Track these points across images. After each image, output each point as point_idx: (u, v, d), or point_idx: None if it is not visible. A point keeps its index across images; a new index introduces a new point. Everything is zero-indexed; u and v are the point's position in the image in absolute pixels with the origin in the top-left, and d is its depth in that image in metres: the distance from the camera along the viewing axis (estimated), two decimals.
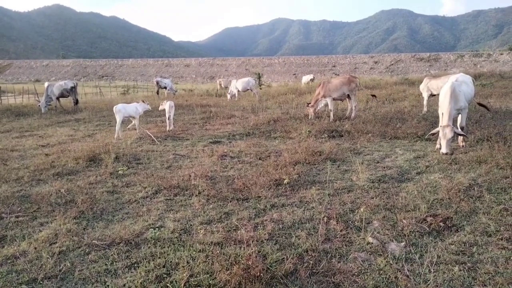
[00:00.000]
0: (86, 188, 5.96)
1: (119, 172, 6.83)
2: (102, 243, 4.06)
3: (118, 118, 10.53)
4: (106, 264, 3.65)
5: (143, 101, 11.55)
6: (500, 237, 3.83)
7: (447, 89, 7.45)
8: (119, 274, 3.47)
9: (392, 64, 58.63)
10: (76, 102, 17.55)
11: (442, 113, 7.37)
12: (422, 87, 12.89)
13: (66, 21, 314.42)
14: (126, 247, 3.99)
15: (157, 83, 27.44)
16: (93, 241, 4.11)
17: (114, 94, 31.33)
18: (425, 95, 12.58)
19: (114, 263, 3.67)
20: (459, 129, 7.26)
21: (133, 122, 11.42)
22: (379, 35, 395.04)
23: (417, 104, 13.67)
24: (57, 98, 17.48)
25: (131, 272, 3.50)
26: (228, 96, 20.78)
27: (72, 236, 4.24)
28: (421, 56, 60.68)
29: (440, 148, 7.26)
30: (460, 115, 7.69)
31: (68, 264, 3.66)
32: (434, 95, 12.10)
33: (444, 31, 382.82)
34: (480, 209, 4.53)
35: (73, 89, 17.41)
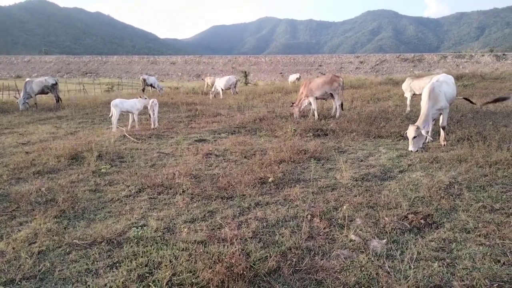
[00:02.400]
0: (68, 187, 5.85)
1: (102, 170, 6.73)
2: (83, 242, 4.00)
3: (115, 113, 10.67)
4: (87, 264, 3.59)
5: (140, 97, 11.50)
6: (478, 233, 3.92)
7: (426, 89, 7.62)
8: (100, 274, 3.42)
9: (377, 64, 59.33)
10: (58, 99, 17.19)
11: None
12: (404, 87, 13.08)
13: (49, 16, 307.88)
14: (108, 247, 3.93)
15: (144, 80, 27.16)
16: (74, 241, 4.04)
17: (98, 91, 30.84)
18: (408, 95, 12.77)
19: (95, 262, 3.61)
20: (425, 130, 7.31)
21: (131, 119, 11.34)
22: (365, 36, 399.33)
23: (401, 103, 13.86)
24: (36, 95, 17.09)
25: (113, 271, 3.46)
26: (211, 95, 20.73)
27: (52, 236, 4.16)
28: (406, 56, 61.55)
29: (420, 147, 7.43)
30: (441, 115, 7.85)
31: (48, 264, 3.59)
32: (417, 94, 12.29)
33: (428, 32, 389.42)
34: (460, 207, 4.62)
35: (54, 86, 17.04)
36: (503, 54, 59.85)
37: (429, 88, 7.59)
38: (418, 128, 7.12)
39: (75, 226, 4.48)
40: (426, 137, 7.40)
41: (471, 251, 3.57)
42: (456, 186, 5.29)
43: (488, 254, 3.49)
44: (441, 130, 7.90)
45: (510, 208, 4.51)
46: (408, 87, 12.74)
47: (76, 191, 5.70)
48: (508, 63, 52.24)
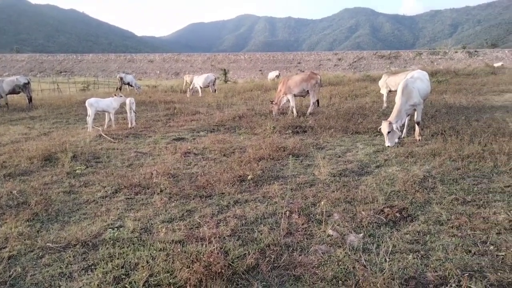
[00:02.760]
0: (41, 189, 5.68)
1: (77, 171, 6.56)
2: (56, 245, 3.89)
3: (90, 112, 10.45)
4: (60, 268, 3.50)
5: (115, 95, 11.26)
6: (451, 225, 4.03)
7: (400, 86, 7.80)
8: (74, 277, 3.34)
9: (355, 61, 60.21)
10: (30, 99, 16.63)
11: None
12: (381, 83, 13.31)
13: (20, 14, 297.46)
14: (82, 249, 3.84)
15: (121, 79, 26.66)
16: (47, 244, 3.93)
17: (73, 90, 30.06)
18: (384, 91, 13.00)
19: (70, 266, 3.53)
20: (397, 125, 7.46)
21: (108, 118, 11.12)
22: (343, 33, 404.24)
23: (378, 100, 14.10)
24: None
25: (88, 274, 3.38)
26: (188, 93, 20.54)
27: (24, 240, 4.03)
28: (382, 53, 62.70)
29: (397, 142, 7.60)
30: (416, 111, 8.03)
31: (19, 269, 3.48)
32: (393, 91, 12.53)
33: (404, 30, 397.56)
34: (434, 200, 4.74)
35: (26, 86, 16.46)
36: (475, 51, 61.79)
37: (403, 84, 7.77)
38: (390, 123, 7.30)
39: (49, 229, 4.35)
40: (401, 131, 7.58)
41: (444, 242, 3.67)
42: (430, 180, 5.43)
43: (460, 245, 3.59)
44: (416, 126, 8.08)
45: (481, 200, 4.66)
46: (384, 84, 12.97)
47: (49, 193, 5.54)
48: (479, 60, 53.96)
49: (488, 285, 2.91)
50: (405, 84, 7.75)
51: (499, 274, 3.05)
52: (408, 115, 8.22)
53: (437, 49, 72.75)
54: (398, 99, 7.72)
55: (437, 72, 25.61)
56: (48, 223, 4.57)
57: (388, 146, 7.34)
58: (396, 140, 7.52)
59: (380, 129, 7.53)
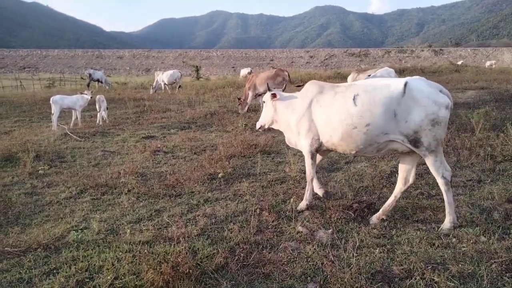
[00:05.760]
0: (0, 191, 5.40)
1: (40, 171, 6.29)
2: (16, 250, 3.70)
3: (55, 110, 10.07)
4: (20, 273, 3.33)
5: (81, 93, 10.87)
6: (416, 219, 4.14)
7: None
8: (35, 282, 3.19)
9: (326, 59, 61.03)
10: None
11: None
12: (349, 80, 13.56)
13: None
14: (44, 253, 3.68)
15: (89, 75, 25.79)
16: (6, 248, 3.72)
17: (37, 87, 28.81)
18: None
19: (29, 270, 3.36)
20: None
21: (74, 116, 10.73)
22: (314, 31, 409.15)
23: None
24: None
25: (49, 279, 3.23)
26: (151, 90, 20.05)
27: None
28: (353, 51, 63.90)
29: None
30: None
31: None
32: None
33: (373, 28, 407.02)
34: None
35: None
36: (440, 49, 64.09)
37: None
38: None
39: (8, 233, 4.13)
40: None
41: (409, 236, 3.76)
42: (397, 175, 5.54)
43: (424, 238, 3.69)
44: None
45: None
46: (353, 80, 13.22)
47: (9, 194, 5.29)
48: (444, 58, 56.00)
49: (450, 277, 3.00)
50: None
51: (460, 265, 3.15)
52: None
53: (405, 47, 75.05)
54: None
55: (404, 69, 26.40)
56: (7, 226, 4.35)
57: None
58: None
59: None
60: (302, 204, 4.56)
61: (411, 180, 4.03)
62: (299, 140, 4.45)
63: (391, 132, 3.72)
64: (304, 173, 5.90)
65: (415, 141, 3.66)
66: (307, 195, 4.57)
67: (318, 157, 4.70)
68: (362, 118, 3.75)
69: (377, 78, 4.29)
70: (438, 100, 3.57)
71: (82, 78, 25.54)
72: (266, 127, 5.01)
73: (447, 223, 3.83)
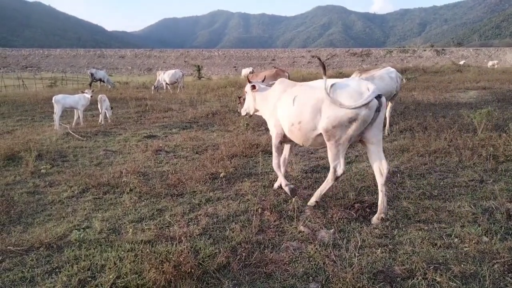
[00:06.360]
0: (2, 190, 5.42)
1: (42, 171, 6.31)
2: (18, 248, 3.71)
3: (57, 109, 10.07)
4: (22, 272, 3.34)
5: (82, 92, 10.90)
6: (418, 219, 4.14)
7: None
8: (37, 281, 3.20)
9: (328, 59, 60.96)
10: None
11: None
12: None
13: None
14: (46, 252, 3.69)
15: (92, 74, 25.84)
16: (8, 247, 3.73)
17: (39, 86, 28.90)
18: None
19: (32, 269, 3.37)
20: None
21: (76, 115, 10.76)
22: (316, 30, 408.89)
23: None
24: None
25: (51, 278, 3.24)
26: (153, 90, 20.09)
27: None
28: (354, 51, 63.86)
29: None
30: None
31: None
32: None
33: (375, 28, 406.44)
34: (402, 194, 4.85)
35: None
36: (442, 49, 63.98)
37: None
38: None
39: (10, 232, 4.15)
40: None
41: (411, 236, 3.76)
42: (398, 175, 5.56)
43: (426, 238, 3.69)
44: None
45: (447, 194, 4.81)
46: None
47: (12, 194, 5.30)
48: (446, 58, 55.91)
49: (452, 277, 3.00)
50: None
51: (462, 265, 3.15)
52: None
53: (407, 47, 74.91)
54: None
55: (406, 69, 26.36)
56: (9, 225, 4.36)
57: None
58: None
59: None
60: (278, 184, 5.19)
61: (385, 170, 4.11)
62: (273, 130, 4.97)
63: (320, 128, 4.19)
64: (306, 172, 5.93)
65: (329, 136, 4.11)
66: (279, 181, 5.10)
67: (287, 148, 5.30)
68: (294, 116, 4.36)
69: (318, 80, 4.62)
70: (359, 100, 3.87)
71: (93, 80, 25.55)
72: (251, 113, 5.70)
73: (312, 201, 4.56)
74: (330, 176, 4.31)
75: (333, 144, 4.11)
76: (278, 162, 4.99)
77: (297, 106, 4.35)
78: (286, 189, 4.78)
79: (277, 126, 4.78)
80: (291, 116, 4.42)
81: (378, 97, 3.91)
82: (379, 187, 4.16)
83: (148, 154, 7.28)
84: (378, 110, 3.94)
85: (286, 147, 5.27)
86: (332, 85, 4.07)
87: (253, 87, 5.35)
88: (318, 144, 4.48)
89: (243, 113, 5.77)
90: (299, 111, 4.31)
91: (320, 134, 4.20)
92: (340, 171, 4.19)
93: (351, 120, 3.91)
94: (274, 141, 4.92)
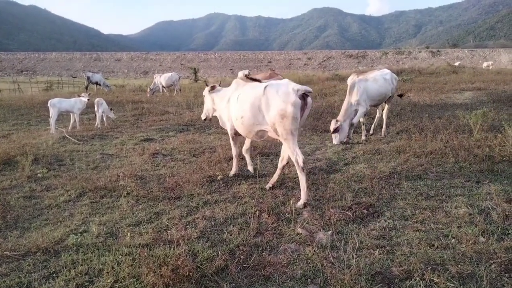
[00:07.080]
0: None
1: (38, 175, 6.28)
2: (15, 254, 3.69)
3: (53, 113, 10.07)
4: (19, 277, 3.32)
5: (78, 95, 10.88)
6: (415, 220, 4.15)
7: (348, 84, 7.96)
8: (34, 286, 3.18)
9: (324, 61, 61.18)
10: None
11: None
12: (349, 82, 13.55)
13: None
14: (43, 256, 3.66)
15: (88, 78, 25.80)
16: (5, 253, 3.71)
17: (35, 90, 28.80)
18: None
19: (29, 274, 3.35)
20: (347, 123, 7.74)
21: (72, 119, 10.74)
22: (312, 32, 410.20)
23: None
24: None
25: (49, 282, 3.22)
26: (148, 93, 20.07)
27: None
28: (350, 53, 64.09)
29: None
30: (382, 107, 8.22)
31: None
32: None
33: (370, 30, 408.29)
34: (399, 195, 4.87)
35: None
36: (438, 51, 64.36)
37: (350, 83, 7.90)
38: (337, 121, 7.49)
39: (6, 237, 4.12)
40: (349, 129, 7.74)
41: (408, 237, 3.77)
42: (395, 176, 5.57)
43: (423, 239, 3.70)
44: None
45: (443, 194, 4.83)
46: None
47: (8, 198, 5.27)
48: (442, 59, 56.23)
49: (449, 277, 3.01)
50: (352, 83, 7.87)
51: (459, 266, 3.16)
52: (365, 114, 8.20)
53: (403, 49, 75.31)
54: (346, 97, 7.91)
55: (402, 71, 26.47)
56: (6, 230, 4.34)
57: (334, 144, 7.59)
58: (343, 138, 7.68)
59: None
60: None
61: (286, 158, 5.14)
62: (227, 124, 5.68)
63: (263, 124, 4.87)
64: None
65: (275, 131, 4.72)
66: (233, 168, 5.98)
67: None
68: (238, 112, 5.09)
69: (259, 83, 5.11)
70: (286, 99, 4.53)
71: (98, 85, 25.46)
72: (210, 116, 6.28)
73: (300, 202, 4.65)
74: (298, 170, 4.68)
75: (283, 139, 4.70)
76: (236, 151, 5.86)
77: (240, 103, 5.06)
78: (231, 174, 5.85)
79: (230, 120, 5.48)
80: (237, 111, 5.12)
81: (305, 96, 4.63)
82: (280, 167, 5.32)
83: (145, 157, 7.26)
84: (303, 108, 4.64)
85: (247, 140, 5.99)
86: (265, 87, 4.71)
87: (213, 87, 5.99)
88: (259, 137, 5.19)
89: (203, 116, 6.32)
90: (241, 108, 5.02)
91: (261, 129, 4.92)
92: (301, 160, 4.60)
93: (282, 117, 4.53)
94: (230, 133, 5.68)
